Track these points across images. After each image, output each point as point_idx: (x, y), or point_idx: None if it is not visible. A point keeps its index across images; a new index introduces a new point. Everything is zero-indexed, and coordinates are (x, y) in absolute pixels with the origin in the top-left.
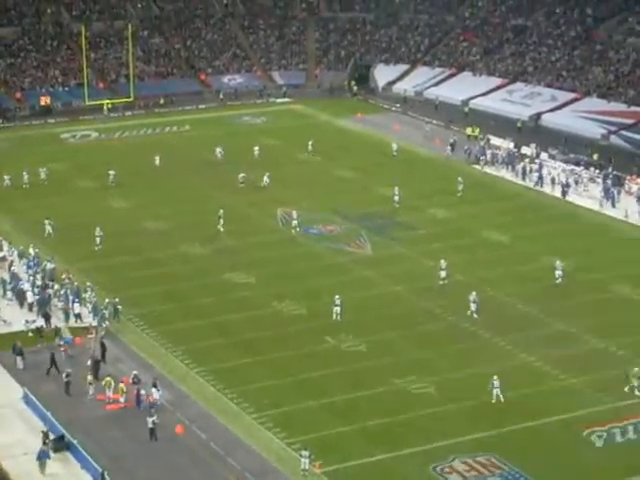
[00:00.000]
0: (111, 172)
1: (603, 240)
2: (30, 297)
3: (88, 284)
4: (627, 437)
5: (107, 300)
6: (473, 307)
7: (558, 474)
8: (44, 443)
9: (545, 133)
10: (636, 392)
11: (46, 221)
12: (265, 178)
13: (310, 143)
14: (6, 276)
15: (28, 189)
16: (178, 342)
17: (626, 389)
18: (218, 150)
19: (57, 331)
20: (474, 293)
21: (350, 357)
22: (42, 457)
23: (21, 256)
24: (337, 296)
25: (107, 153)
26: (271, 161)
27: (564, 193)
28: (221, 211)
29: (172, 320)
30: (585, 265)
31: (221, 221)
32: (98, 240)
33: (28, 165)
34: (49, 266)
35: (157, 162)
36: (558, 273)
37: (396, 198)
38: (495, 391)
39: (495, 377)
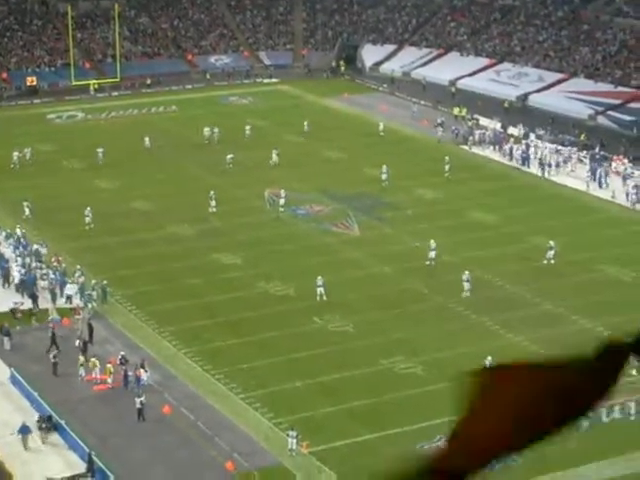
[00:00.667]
0: (99, 150)
1: (590, 220)
2: (17, 278)
3: (78, 267)
4: (612, 416)
5: (94, 282)
6: (467, 286)
7: (543, 453)
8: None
9: (532, 113)
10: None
11: (25, 203)
12: (274, 156)
13: (305, 123)
14: None
15: (16, 169)
16: (166, 323)
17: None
18: (208, 130)
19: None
20: (467, 272)
21: (337, 337)
22: (24, 431)
23: (8, 237)
24: (319, 277)
25: (94, 134)
26: (258, 141)
27: (543, 171)
28: (212, 192)
29: (160, 301)
30: (572, 245)
31: (212, 202)
32: (88, 219)
33: (14, 145)
34: (37, 248)
35: (147, 143)
36: (550, 253)
37: (384, 176)
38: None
39: (489, 358)
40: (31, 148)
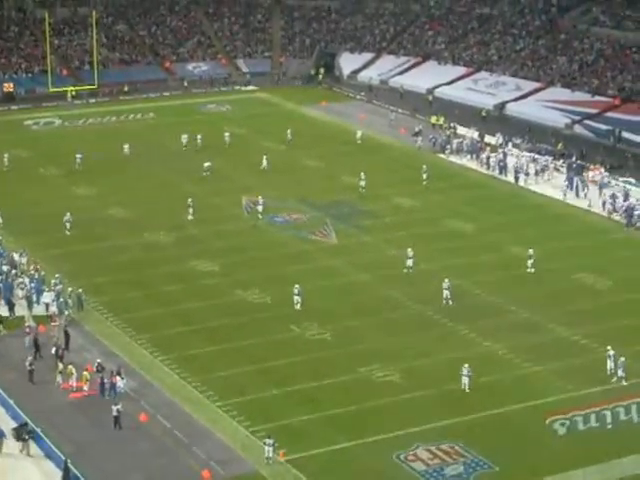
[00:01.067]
0: (78, 156)
1: (566, 230)
2: None
3: (56, 275)
4: (589, 425)
5: (70, 289)
6: (447, 294)
7: (520, 462)
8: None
9: (509, 122)
10: (623, 382)
11: None
12: (264, 161)
13: (289, 132)
14: None
15: None
16: (142, 330)
17: (613, 380)
18: (186, 137)
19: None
20: (447, 280)
21: (315, 345)
22: None
23: None
24: (297, 285)
25: (71, 140)
26: (236, 149)
27: (517, 179)
28: (190, 200)
29: (136, 308)
30: (549, 254)
31: (190, 210)
32: (68, 225)
33: None
34: (15, 256)
35: (126, 150)
36: (530, 262)
37: (362, 183)
38: (465, 379)
39: (466, 365)
40: (8, 154)
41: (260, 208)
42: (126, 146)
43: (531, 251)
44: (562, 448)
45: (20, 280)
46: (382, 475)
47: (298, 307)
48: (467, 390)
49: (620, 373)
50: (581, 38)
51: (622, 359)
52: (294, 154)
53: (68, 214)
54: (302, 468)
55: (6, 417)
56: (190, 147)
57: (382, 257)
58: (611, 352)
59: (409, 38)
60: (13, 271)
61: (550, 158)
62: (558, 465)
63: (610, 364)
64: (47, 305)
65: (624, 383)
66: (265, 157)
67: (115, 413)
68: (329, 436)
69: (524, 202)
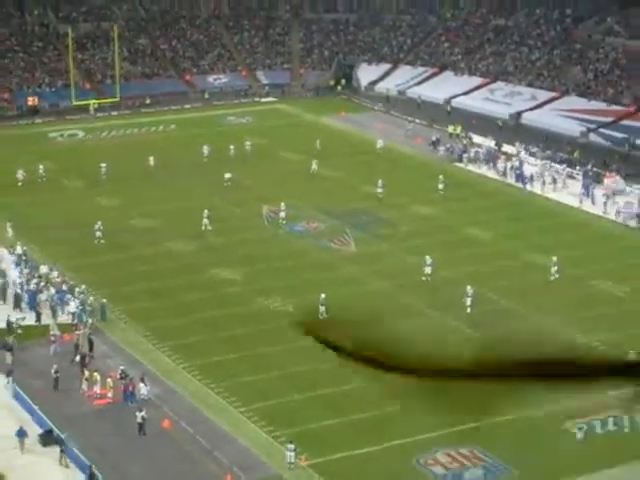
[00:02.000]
0: (103, 165)
1: (583, 236)
2: (12, 294)
3: (80, 285)
4: (607, 429)
5: (92, 298)
6: (468, 302)
7: (539, 465)
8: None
9: (525, 131)
10: None
11: (8, 223)
12: (314, 165)
13: (318, 142)
14: None
15: (20, 187)
16: (165, 338)
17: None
18: (207, 148)
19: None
20: (469, 287)
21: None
22: (20, 435)
23: (11, 254)
24: (322, 295)
25: (94, 152)
26: (256, 160)
27: (524, 183)
28: (206, 211)
29: (159, 316)
30: (565, 261)
31: (206, 221)
32: (99, 234)
33: (17, 164)
34: (43, 269)
35: (151, 162)
36: (553, 269)
37: (380, 190)
38: None
39: None
40: (43, 166)
41: (283, 214)
42: (151, 158)
43: (555, 259)
44: (579, 452)
45: (44, 287)
46: (403, 479)
47: (322, 316)
48: None
49: None
50: (596, 48)
51: None
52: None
53: (99, 223)
54: (324, 473)
55: (32, 423)
56: (211, 158)
57: (401, 265)
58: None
59: (426, 49)
60: (35, 280)
61: (566, 166)
62: (576, 468)
63: None
64: (72, 314)
65: None
66: (315, 162)
67: (140, 420)
68: (350, 440)
69: (541, 209)
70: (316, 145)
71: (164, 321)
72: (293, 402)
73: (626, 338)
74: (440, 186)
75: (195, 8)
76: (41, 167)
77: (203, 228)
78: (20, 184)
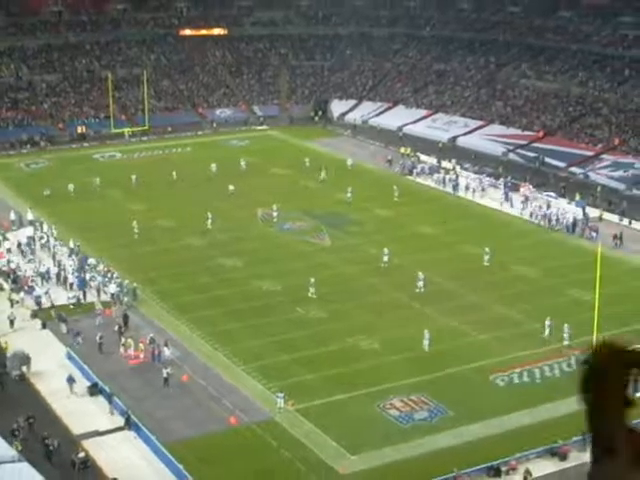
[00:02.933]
0: (133, 177)
1: (504, 231)
2: (70, 279)
3: (120, 272)
4: (522, 380)
5: (127, 282)
6: (420, 284)
7: (470, 408)
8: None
9: (460, 151)
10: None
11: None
12: (322, 174)
13: (307, 160)
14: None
15: (72, 196)
16: (184, 312)
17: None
18: (214, 166)
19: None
20: (420, 273)
21: (315, 322)
22: (69, 381)
23: (64, 247)
24: (311, 279)
25: (128, 169)
26: (252, 174)
27: (454, 188)
28: (209, 214)
29: (179, 295)
30: (491, 251)
31: (209, 221)
32: (136, 230)
33: (69, 179)
34: (92, 261)
35: (174, 176)
36: (486, 257)
37: (349, 196)
38: (425, 342)
39: (426, 331)
40: (99, 178)
41: (275, 214)
42: (174, 173)
43: (487, 249)
44: (502, 397)
45: (92, 275)
46: (367, 419)
47: (314, 295)
48: (427, 350)
49: (565, 337)
50: (513, 87)
51: (566, 325)
52: (297, 177)
53: (135, 222)
54: (306, 415)
55: (82, 378)
56: (218, 173)
57: (365, 255)
58: (548, 322)
59: (383, 88)
60: (87, 269)
61: (491, 178)
62: (499, 410)
63: (547, 332)
64: (112, 294)
65: (566, 343)
66: (324, 171)
67: (165, 375)
68: (326, 391)
69: (472, 211)
70: (305, 162)
71: (183, 299)
72: (282, 361)
73: (535, 309)
74: (395, 194)
75: (205, 57)
76: (96, 180)
77: (208, 227)
78: (72, 194)
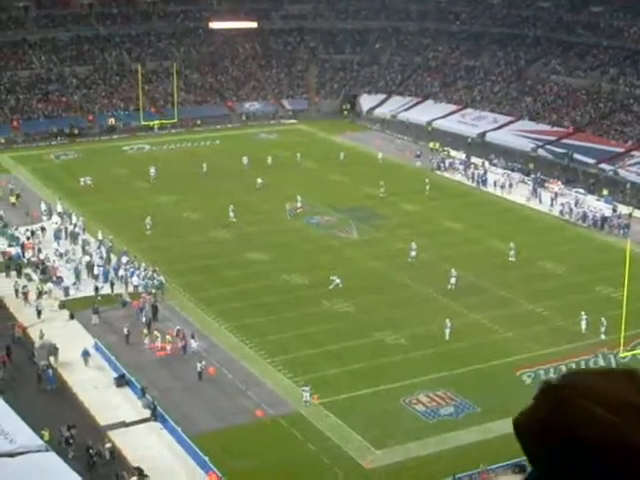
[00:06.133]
0: (157, 169)
1: (532, 227)
2: (96, 270)
3: (148, 264)
4: (549, 376)
5: (155, 274)
6: (453, 281)
7: (497, 404)
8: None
9: (489, 147)
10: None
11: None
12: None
13: (342, 154)
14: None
15: (100, 188)
16: (210, 305)
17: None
18: (246, 159)
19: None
20: (453, 270)
21: (341, 316)
22: (85, 355)
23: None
24: (336, 276)
25: (157, 161)
26: (281, 167)
27: (478, 183)
28: (231, 206)
29: (206, 288)
30: (519, 246)
31: (231, 214)
32: (148, 227)
33: (98, 171)
34: (122, 255)
35: (204, 168)
36: (511, 252)
37: (382, 189)
38: (447, 330)
39: (448, 320)
40: (128, 170)
41: (299, 205)
42: (204, 165)
43: (512, 244)
44: (528, 394)
45: (125, 268)
46: (392, 414)
47: (340, 286)
48: (447, 339)
49: (602, 330)
50: (543, 83)
51: (603, 319)
52: (326, 171)
53: (148, 218)
54: (330, 409)
55: (108, 369)
56: (249, 167)
57: (392, 249)
58: (584, 316)
59: (413, 83)
60: (117, 261)
61: (519, 174)
62: (524, 407)
63: (584, 326)
64: (138, 286)
65: (603, 337)
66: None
67: (199, 369)
68: (351, 385)
69: (499, 207)
70: (340, 156)
71: (210, 292)
72: (307, 355)
73: (563, 305)
74: (427, 188)
75: (235, 50)
76: (125, 171)
77: (230, 220)
78: (100, 186)
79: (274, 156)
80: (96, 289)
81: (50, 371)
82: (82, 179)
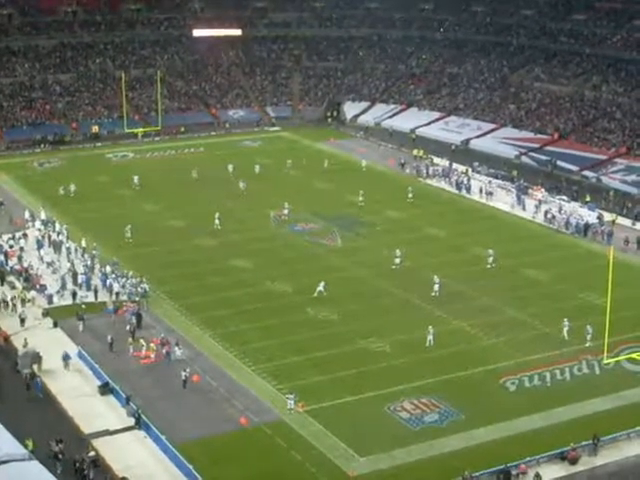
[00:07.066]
0: (135, 177)
1: (516, 234)
2: (80, 278)
3: (132, 272)
4: (533, 383)
5: (139, 282)
6: (436, 288)
7: (481, 411)
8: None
9: (473, 154)
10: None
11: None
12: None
13: (326, 162)
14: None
15: (84, 196)
16: (194, 312)
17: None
18: (231, 166)
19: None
20: (436, 277)
21: (325, 324)
22: (66, 358)
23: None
24: (322, 282)
25: (140, 169)
26: (265, 175)
27: (459, 188)
28: (217, 214)
29: (189, 295)
30: (502, 254)
31: (217, 221)
32: (128, 234)
33: (81, 178)
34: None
35: (195, 175)
36: (490, 259)
37: (360, 198)
38: (429, 337)
39: (430, 326)
40: (111, 177)
41: (286, 212)
42: (193, 172)
43: (490, 251)
44: (512, 401)
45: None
46: (376, 421)
47: (324, 294)
48: (429, 345)
49: (588, 338)
50: (526, 91)
51: (588, 327)
52: (309, 178)
53: (129, 226)
54: (315, 416)
55: (92, 377)
56: (234, 175)
57: (376, 256)
58: (567, 323)
59: (396, 91)
60: (100, 269)
61: (503, 181)
62: (509, 413)
63: (566, 333)
64: (123, 294)
65: (589, 344)
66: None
67: (183, 377)
68: (336, 392)
69: (484, 214)
70: (324, 164)
71: (193, 299)
72: (292, 363)
73: (546, 312)
74: (409, 195)
75: (219, 58)
76: (108, 179)
77: (215, 227)
78: (84, 194)
79: (260, 164)
80: (74, 295)
81: (38, 379)
82: (61, 187)
